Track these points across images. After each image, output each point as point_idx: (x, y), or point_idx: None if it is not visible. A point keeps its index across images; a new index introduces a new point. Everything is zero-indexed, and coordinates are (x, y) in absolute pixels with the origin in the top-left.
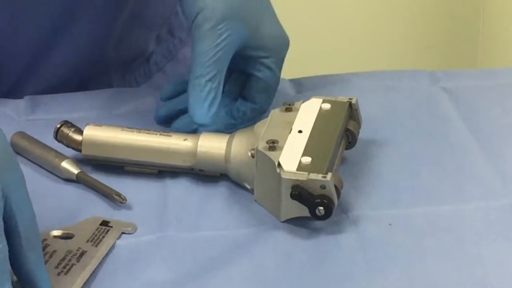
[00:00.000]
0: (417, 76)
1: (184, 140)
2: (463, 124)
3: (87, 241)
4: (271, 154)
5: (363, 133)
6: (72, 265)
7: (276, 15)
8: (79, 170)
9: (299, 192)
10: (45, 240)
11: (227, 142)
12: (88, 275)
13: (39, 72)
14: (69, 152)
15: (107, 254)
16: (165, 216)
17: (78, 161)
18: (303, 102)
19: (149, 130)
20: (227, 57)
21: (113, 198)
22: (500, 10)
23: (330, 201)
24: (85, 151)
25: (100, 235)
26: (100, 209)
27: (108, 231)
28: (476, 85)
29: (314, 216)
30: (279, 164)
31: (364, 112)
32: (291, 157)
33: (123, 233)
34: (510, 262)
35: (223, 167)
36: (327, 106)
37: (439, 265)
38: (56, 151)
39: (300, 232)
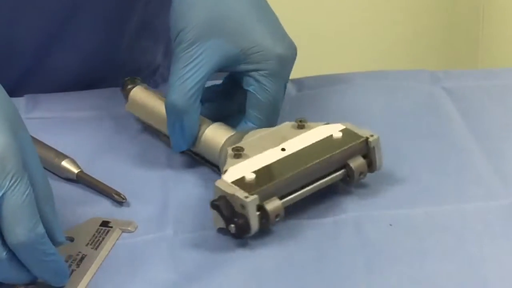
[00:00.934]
0: (418, 76)
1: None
2: (463, 124)
3: (87, 244)
4: (229, 160)
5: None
6: (72, 271)
7: (278, 26)
8: (79, 170)
9: (219, 204)
10: None
11: (227, 138)
12: (88, 281)
13: (39, 77)
14: (69, 151)
15: (107, 254)
16: (165, 215)
17: (78, 161)
18: (326, 124)
19: None
20: (200, 78)
21: (113, 197)
22: (500, 10)
23: (246, 222)
24: (128, 109)
25: (100, 236)
26: (100, 208)
27: (108, 232)
28: (477, 85)
29: (229, 232)
30: (225, 172)
31: (365, 111)
32: (242, 169)
33: (123, 232)
34: (510, 262)
35: (217, 161)
36: (338, 134)
37: (439, 265)
38: (56, 151)
39: (300, 233)
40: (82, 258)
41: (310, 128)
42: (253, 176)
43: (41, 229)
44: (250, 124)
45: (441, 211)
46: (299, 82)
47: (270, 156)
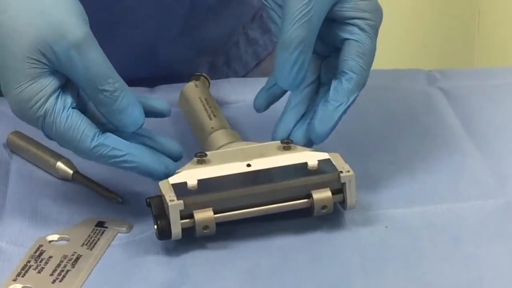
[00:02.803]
0: (414, 76)
1: (212, 128)
2: (459, 124)
3: (82, 244)
4: (189, 164)
5: (359, 133)
6: (67, 271)
7: None
8: (74, 170)
9: (150, 202)
10: (41, 246)
11: (222, 145)
12: (83, 281)
13: None
14: (65, 152)
15: (102, 255)
16: None
17: (73, 161)
18: (313, 150)
19: (217, 110)
20: (319, 16)
21: (109, 198)
22: (496, 10)
23: (167, 224)
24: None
25: (96, 237)
26: (96, 209)
27: (103, 232)
28: (473, 85)
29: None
30: (176, 173)
31: (361, 111)
32: (192, 174)
33: (118, 232)
34: (506, 262)
35: None
36: (314, 163)
37: (435, 266)
38: (52, 151)
39: (296, 234)
40: (77, 259)
41: (294, 151)
42: (195, 183)
43: (87, 144)
44: (352, 74)
45: (437, 210)
46: None
47: (230, 168)
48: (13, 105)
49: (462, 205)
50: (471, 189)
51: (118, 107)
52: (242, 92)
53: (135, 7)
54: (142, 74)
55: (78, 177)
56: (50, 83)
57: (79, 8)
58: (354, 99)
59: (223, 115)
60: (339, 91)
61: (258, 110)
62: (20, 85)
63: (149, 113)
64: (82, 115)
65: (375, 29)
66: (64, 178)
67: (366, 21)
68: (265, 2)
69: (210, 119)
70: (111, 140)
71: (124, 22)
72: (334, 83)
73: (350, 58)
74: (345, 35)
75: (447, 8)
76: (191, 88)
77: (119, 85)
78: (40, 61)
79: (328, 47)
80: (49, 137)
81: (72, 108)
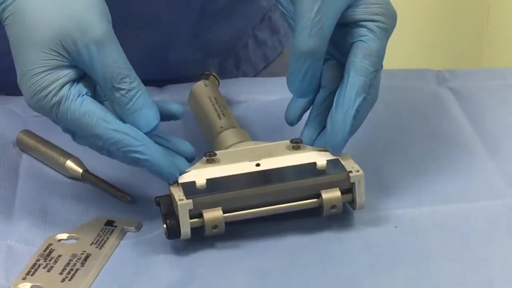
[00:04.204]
0: (423, 76)
1: (221, 127)
2: (469, 124)
3: (92, 243)
4: (198, 164)
5: (368, 133)
6: (77, 270)
7: None
8: (84, 169)
9: (159, 201)
10: (50, 244)
11: (231, 144)
12: (92, 280)
13: None
14: (75, 150)
15: (111, 254)
16: None
17: (83, 160)
18: (322, 150)
19: (226, 109)
20: (330, 23)
21: (118, 197)
22: (505, 9)
23: (176, 224)
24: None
25: (105, 236)
26: (105, 207)
27: (112, 231)
28: (482, 85)
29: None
30: (185, 172)
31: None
32: (201, 174)
33: (128, 231)
34: None
35: None
36: (323, 163)
37: (444, 266)
38: (61, 150)
39: (304, 234)
40: (86, 257)
41: (304, 150)
42: (204, 182)
43: (103, 128)
44: (357, 76)
45: (446, 210)
46: None
47: (239, 168)
48: (28, 95)
49: (471, 205)
50: (480, 189)
51: (132, 106)
52: (251, 92)
53: (144, 9)
54: (151, 76)
55: (88, 176)
56: (66, 74)
57: (102, 6)
58: (364, 102)
59: (233, 115)
60: (344, 96)
61: (291, 123)
62: (37, 74)
63: (163, 116)
64: (97, 102)
65: (386, 31)
66: (73, 177)
67: (377, 23)
68: (280, 6)
69: (220, 118)
70: (129, 129)
71: (133, 24)
72: (339, 88)
73: (356, 60)
74: (354, 38)
75: (456, 8)
76: (201, 87)
77: (135, 85)
78: (60, 53)
79: (343, 53)
80: (64, 129)
81: (88, 95)
